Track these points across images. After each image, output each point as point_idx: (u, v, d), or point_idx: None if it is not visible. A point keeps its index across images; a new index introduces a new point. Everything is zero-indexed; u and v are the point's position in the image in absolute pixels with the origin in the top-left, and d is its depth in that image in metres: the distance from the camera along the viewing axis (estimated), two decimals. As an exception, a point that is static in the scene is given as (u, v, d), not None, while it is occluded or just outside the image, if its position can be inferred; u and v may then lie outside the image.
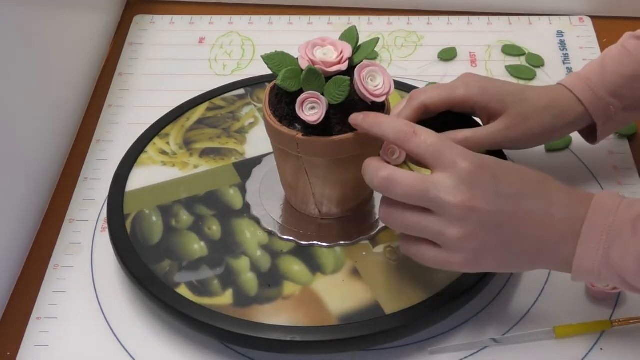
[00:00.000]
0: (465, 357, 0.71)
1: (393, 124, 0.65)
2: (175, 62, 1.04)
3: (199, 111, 0.90)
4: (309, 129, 0.68)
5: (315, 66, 0.67)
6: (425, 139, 0.63)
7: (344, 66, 0.68)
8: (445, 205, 0.61)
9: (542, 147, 0.89)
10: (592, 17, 1.08)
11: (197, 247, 0.76)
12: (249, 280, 0.73)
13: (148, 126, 0.88)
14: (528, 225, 0.62)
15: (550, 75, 1.00)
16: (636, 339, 0.72)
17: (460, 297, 0.71)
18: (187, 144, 0.87)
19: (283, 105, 0.70)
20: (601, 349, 0.71)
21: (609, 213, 0.60)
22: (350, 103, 0.68)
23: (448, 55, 1.03)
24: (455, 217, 0.61)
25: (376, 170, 0.64)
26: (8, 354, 0.74)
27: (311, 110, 0.67)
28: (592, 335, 0.72)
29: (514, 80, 0.99)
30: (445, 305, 0.70)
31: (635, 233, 0.58)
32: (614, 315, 0.73)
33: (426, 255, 0.65)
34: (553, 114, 0.77)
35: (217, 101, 0.92)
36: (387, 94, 0.68)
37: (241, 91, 0.92)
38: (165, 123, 0.89)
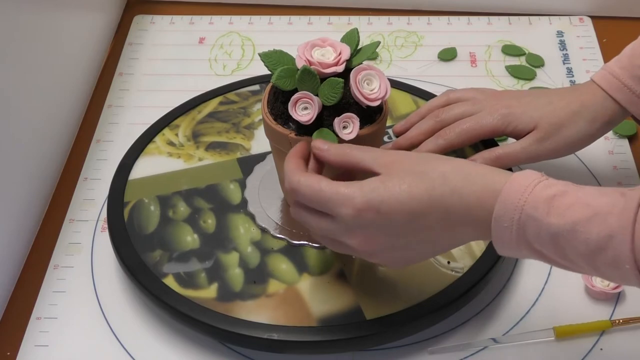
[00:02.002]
0: (465, 357, 0.71)
1: (287, 166, 0.65)
2: (175, 62, 1.04)
3: (212, 105, 0.91)
4: (302, 129, 0.68)
5: (312, 67, 0.67)
6: (310, 185, 0.62)
7: (340, 68, 0.68)
8: (347, 244, 0.62)
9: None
10: (592, 17, 1.08)
11: (190, 239, 0.77)
12: (236, 275, 0.73)
13: (148, 126, 0.89)
14: (435, 236, 0.61)
15: (550, 76, 1.00)
16: (636, 339, 0.72)
17: (442, 309, 0.70)
18: (195, 136, 0.87)
19: (279, 104, 0.70)
20: (601, 349, 0.71)
21: (524, 191, 0.57)
22: (344, 105, 0.68)
23: (448, 55, 1.03)
24: (357, 249, 0.63)
25: (289, 175, 0.64)
26: (8, 354, 0.74)
27: (304, 110, 0.67)
28: (592, 335, 0.72)
29: (514, 80, 0.99)
30: (427, 315, 0.70)
31: (549, 212, 0.56)
32: (614, 315, 0.73)
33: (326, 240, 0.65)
34: (586, 118, 0.76)
35: (231, 96, 0.92)
36: (383, 98, 0.68)
37: (256, 87, 0.93)
38: (177, 114, 0.89)
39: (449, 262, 0.73)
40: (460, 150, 0.82)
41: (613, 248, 0.54)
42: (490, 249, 0.73)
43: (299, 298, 0.72)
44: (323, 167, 0.66)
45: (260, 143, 0.86)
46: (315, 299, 0.71)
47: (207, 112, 0.90)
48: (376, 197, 0.60)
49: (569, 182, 0.58)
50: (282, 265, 0.74)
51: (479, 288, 0.72)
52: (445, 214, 0.59)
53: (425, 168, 0.61)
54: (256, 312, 0.70)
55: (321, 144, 0.65)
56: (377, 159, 0.63)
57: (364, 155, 0.63)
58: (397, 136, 0.82)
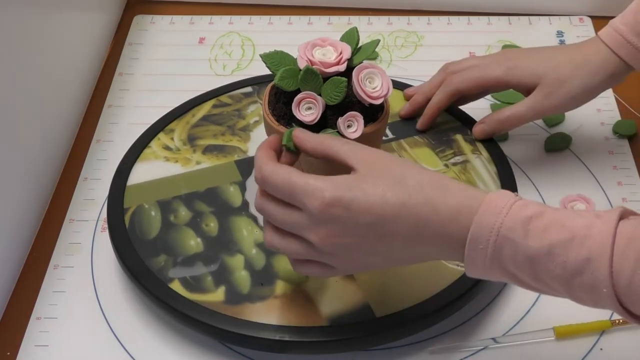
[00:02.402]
0: (465, 357, 0.71)
1: (259, 155, 0.63)
2: (175, 62, 1.04)
3: (205, 108, 0.91)
4: (305, 129, 0.68)
5: (314, 66, 0.67)
6: (281, 174, 0.61)
7: (342, 67, 0.68)
8: (309, 239, 0.60)
9: (542, 148, 0.89)
10: (592, 17, 1.08)
11: (194, 243, 0.76)
12: (242, 278, 0.73)
13: (148, 126, 0.88)
14: (400, 245, 0.59)
15: (550, 75, 1.00)
16: (636, 339, 0.72)
17: (452, 304, 0.71)
18: (191, 140, 0.87)
19: (281, 105, 0.70)
20: (601, 349, 0.71)
21: (500, 212, 0.56)
22: (347, 104, 0.68)
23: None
24: (317, 246, 0.60)
25: (259, 163, 0.62)
26: (8, 354, 0.74)
27: (307, 110, 0.67)
28: (592, 335, 0.72)
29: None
30: (437, 311, 0.70)
31: (526, 235, 0.55)
32: (614, 315, 0.73)
33: (291, 249, 0.62)
34: (588, 71, 0.77)
35: (224, 98, 0.92)
36: (385, 96, 0.68)
37: (248, 89, 0.93)
38: (171, 119, 0.89)
39: None
40: (456, 145, 0.82)
41: (591, 271, 0.53)
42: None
43: (308, 298, 0.72)
44: (295, 161, 0.65)
45: (257, 145, 0.84)
46: (323, 298, 0.71)
47: (200, 115, 0.90)
48: (348, 195, 0.58)
49: (542, 202, 0.57)
50: (289, 266, 0.74)
51: (485, 281, 0.72)
52: (415, 224, 0.58)
53: (403, 174, 0.59)
54: (266, 313, 0.70)
55: (299, 132, 0.65)
56: (355, 152, 0.61)
57: (342, 147, 0.62)
58: (407, 100, 0.87)
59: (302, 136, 0.64)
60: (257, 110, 0.90)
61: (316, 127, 0.68)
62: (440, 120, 0.86)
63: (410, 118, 0.87)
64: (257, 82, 0.93)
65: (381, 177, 0.59)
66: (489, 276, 0.58)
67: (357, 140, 0.67)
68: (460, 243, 0.57)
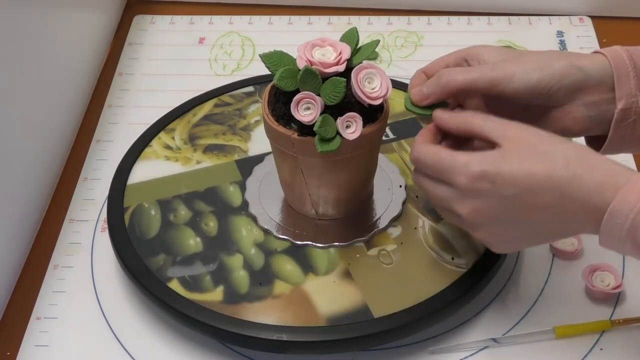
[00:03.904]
0: (465, 357, 0.71)
1: (417, 138, 0.66)
2: (175, 62, 1.04)
3: (206, 107, 0.91)
4: (305, 129, 0.68)
5: (313, 67, 0.67)
6: (431, 153, 0.64)
7: (341, 67, 0.68)
8: (458, 212, 0.64)
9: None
10: (592, 17, 1.08)
11: (193, 242, 0.77)
12: (241, 277, 0.73)
13: (148, 126, 0.89)
14: (544, 218, 0.61)
15: (550, 75, 0.99)
16: (636, 339, 0.72)
17: (452, 304, 0.71)
18: (192, 139, 0.87)
19: (280, 105, 0.70)
20: (601, 349, 0.71)
21: None
22: (346, 104, 0.68)
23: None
24: (466, 219, 0.64)
25: (415, 145, 0.66)
26: (8, 354, 0.74)
27: (306, 110, 0.67)
28: (592, 335, 0.72)
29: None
30: (434, 312, 0.70)
31: None
32: (614, 315, 0.74)
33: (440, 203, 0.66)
34: (553, 54, 0.68)
35: (225, 98, 0.92)
36: (384, 97, 0.68)
37: (250, 88, 0.93)
38: (172, 117, 0.89)
39: (453, 259, 0.74)
40: None
41: None
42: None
43: (306, 298, 0.72)
44: (459, 145, 0.66)
45: (257, 144, 0.86)
46: (322, 298, 0.71)
47: (202, 114, 0.90)
48: (493, 169, 0.60)
49: None
50: (287, 266, 0.74)
51: (485, 282, 0.72)
52: (561, 198, 0.59)
53: (548, 148, 0.61)
54: (264, 313, 0.70)
55: (442, 113, 0.67)
56: (498, 129, 0.63)
57: (486, 124, 0.63)
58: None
59: (444, 116, 0.66)
60: (258, 109, 0.90)
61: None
62: None
63: (410, 118, 0.87)
64: (259, 81, 0.93)
65: (527, 153, 0.61)
66: (619, 248, 0.60)
67: (356, 141, 0.67)
68: (599, 214, 0.59)
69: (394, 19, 1.10)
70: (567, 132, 0.68)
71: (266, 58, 0.69)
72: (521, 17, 1.09)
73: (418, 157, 0.65)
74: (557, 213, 0.60)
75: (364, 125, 0.68)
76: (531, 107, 0.68)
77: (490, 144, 0.63)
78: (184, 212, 0.79)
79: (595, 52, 0.68)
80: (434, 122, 0.67)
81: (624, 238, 0.58)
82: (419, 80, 0.71)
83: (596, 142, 0.69)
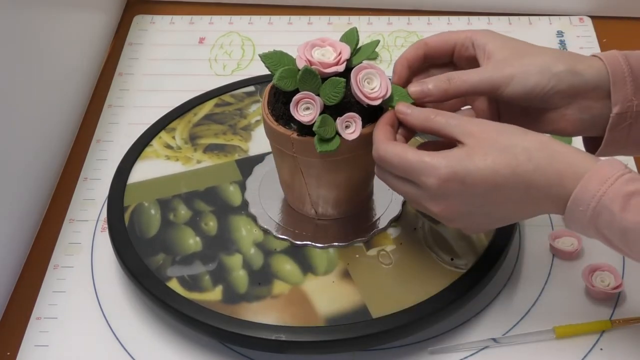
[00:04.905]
0: (465, 357, 0.71)
1: (375, 134, 0.66)
2: (175, 62, 1.04)
3: (207, 107, 0.91)
4: (304, 129, 0.68)
5: (312, 67, 0.67)
6: (397, 154, 0.64)
7: (341, 67, 0.68)
8: (430, 209, 0.65)
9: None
10: (592, 17, 1.08)
11: (192, 242, 0.77)
12: (240, 277, 0.73)
13: (148, 126, 0.89)
14: (512, 208, 0.63)
15: (550, 75, 0.99)
16: (636, 339, 0.72)
17: (452, 304, 0.71)
18: (192, 139, 0.87)
19: (280, 105, 0.70)
20: (601, 349, 0.71)
21: (605, 182, 0.59)
22: (346, 104, 0.68)
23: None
24: (439, 215, 0.65)
25: (376, 143, 0.66)
26: (8, 354, 0.74)
27: (306, 110, 0.67)
28: (592, 335, 0.72)
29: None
30: (433, 313, 0.70)
31: (623, 208, 0.58)
32: (614, 315, 0.74)
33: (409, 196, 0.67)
34: (554, 54, 0.67)
35: (226, 97, 0.92)
36: (384, 97, 0.68)
37: (251, 88, 0.93)
38: (173, 117, 0.89)
39: (452, 259, 0.74)
40: None
41: None
42: (493, 244, 0.74)
43: (305, 298, 0.72)
44: (412, 137, 0.68)
45: (258, 144, 0.86)
46: (321, 298, 0.71)
47: (202, 114, 0.90)
48: (462, 170, 0.61)
49: None
50: (286, 266, 0.74)
51: (484, 282, 0.72)
52: (526, 190, 0.61)
53: (509, 142, 0.62)
54: (262, 313, 0.70)
55: (404, 108, 0.67)
56: (460, 126, 0.63)
57: (448, 122, 0.64)
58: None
59: (408, 112, 0.67)
60: (258, 109, 0.90)
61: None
62: None
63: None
64: (260, 81, 0.93)
65: (489, 149, 0.61)
66: (585, 234, 0.62)
67: (356, 141, 0.67)
68: (563, 202, 0.61)
69: (394, 19, 1.10)
70: (564, 133, 0.69)
71: (266, 58, 0.69)
72: (521, 17, 1.09)
73: (383, 156, 0.65)
74: (525, 202, 0.62)
75: (363, 126, 0.68)
76: (529, 108, 0.68)
77: (452, 141, 0.64)
78: (183, 212, 0.79)
79: (594, 55, 0.68)
80: (395, 115, 0.67)
81: (587, 224, 0.60)
82: (403, 72, 0.71)
83: (593, 143, 0.69)
